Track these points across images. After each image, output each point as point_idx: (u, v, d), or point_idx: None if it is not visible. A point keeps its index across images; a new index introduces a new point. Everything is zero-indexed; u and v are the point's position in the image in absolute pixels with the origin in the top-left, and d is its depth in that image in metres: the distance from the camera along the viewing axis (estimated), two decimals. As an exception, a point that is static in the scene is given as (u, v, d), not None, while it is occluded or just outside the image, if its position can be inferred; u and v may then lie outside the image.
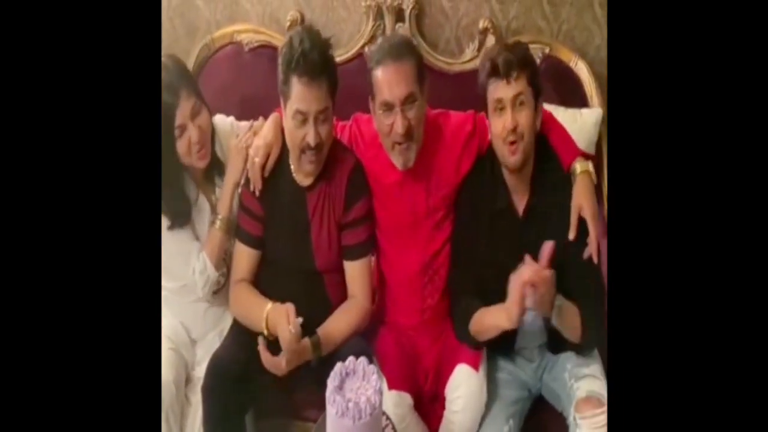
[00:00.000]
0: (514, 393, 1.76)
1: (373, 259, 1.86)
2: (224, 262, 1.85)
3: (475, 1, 2.27)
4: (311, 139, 1.63)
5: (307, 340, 1.63)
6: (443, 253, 1.80)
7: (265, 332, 1.64)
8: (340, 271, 1.82)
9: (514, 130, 1.60)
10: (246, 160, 1.75)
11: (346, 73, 1.74)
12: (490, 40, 2.24)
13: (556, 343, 1.74)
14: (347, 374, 1.44)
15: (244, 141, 1.76)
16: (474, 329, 1.69)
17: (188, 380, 1.85)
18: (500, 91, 1.61)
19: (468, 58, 2.26)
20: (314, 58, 1.58)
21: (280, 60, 1.62)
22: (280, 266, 1.80)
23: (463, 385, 1.71)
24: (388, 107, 1.63)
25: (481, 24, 2.25)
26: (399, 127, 1.63)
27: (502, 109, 1.61)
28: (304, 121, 1.62)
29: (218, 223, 1.79)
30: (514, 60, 1.59)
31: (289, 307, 1.60)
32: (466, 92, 1.87)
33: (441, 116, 1.80)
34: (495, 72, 1.60)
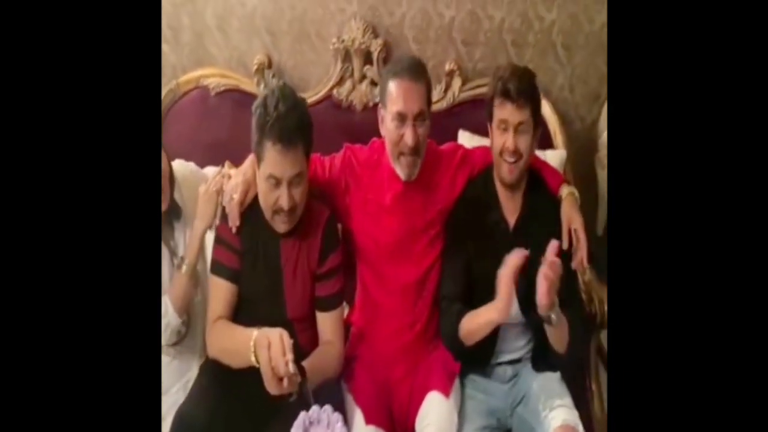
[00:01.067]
0: (483, 420, 1.75)
1: (345, 308, 1.84)
2: (186, 311, 1.79)
3: (441, 44, 2.31)
4: (284, 204, 1.61)
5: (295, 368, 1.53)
6: (435, 269, 1.84)
7: (253, 359, 1.53)
8: (311, 320, 1.79)
9: (514, 151, 1.70)
10: (216, 206, 1.72)
11: (315, 114, 1.74)
12: (457, 82, 2.27)
13: (538, 357, 1.80)
14: (311, 423, 1.40)
15: (213, 185, 1.73)
16: (464, 332, 1.70)
17: (151, 435, 1.78)
18: (506, 113, 1.70)
19: (435, 100, 2.28)
20: (289, 124, 1.56)
21: (253, 120, 1.61)
22: (252, 313, 1.75)
23: (433, 412, 1.68)
24: (402, 119, 1.70)
25: (448, 66, 2.29)
26: (409, 140, 1.70)
27: (505, 129, 1.71)
28: (278, 185, 1.61)
29: (184, 267, 1.74)
30: (526, 90, 1.69)
31: (283, 333, 1.50)
32: (434, 133, 1.89)
33: (432, 143, 1.87)
34: (505, 94, 1.69)
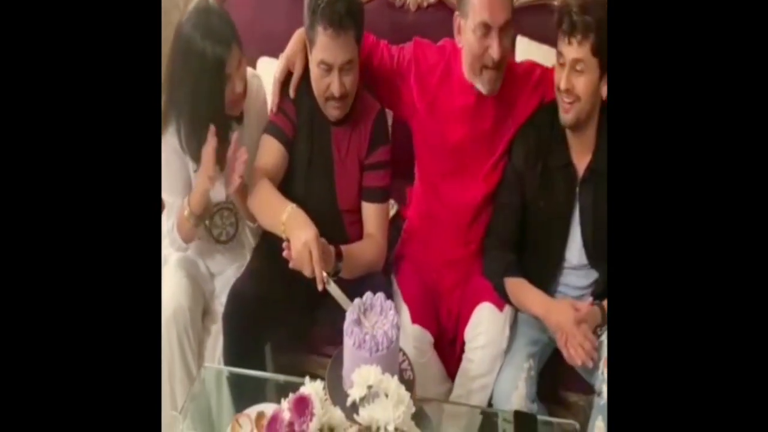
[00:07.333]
0: (534, 333, 1.75)
1: (395, 206, 1.88)
2: (191, 240, 1.79)
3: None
4: (335, 90, 1.63)
5: (331, 248, 1.58)
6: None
7: (283, 236, 1.57)
8: (361, 213, 1.82)
9: (568, 91, 1.58)
10: (214, 162, 1.65)
11: (367, 14, 1.70)
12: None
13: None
14: (365, 309, 1.47)
15: (210, 144, 1.66)
16: (508, 290, 1.72)
17: (207, 312, 1.89)
18: (563, 46, 1.57)
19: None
20: (339, 8, 1.55)
21: (305, 2, 1.60)
22: (306, 203, 1.71)
23: (485, 322, 1.72)
24: (487, 30, 1.59)
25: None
26: (496, 53, 1.60)
27: (562, 64, 1.58)
28: (329, 71, 1.62)
29: (186, 213, 1.71)
30: (581, 24, 1.52)
31: (315, 243, 1.49)
32: (524, 27, 1.86)
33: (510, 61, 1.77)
34: (561, 25, 1.56)
